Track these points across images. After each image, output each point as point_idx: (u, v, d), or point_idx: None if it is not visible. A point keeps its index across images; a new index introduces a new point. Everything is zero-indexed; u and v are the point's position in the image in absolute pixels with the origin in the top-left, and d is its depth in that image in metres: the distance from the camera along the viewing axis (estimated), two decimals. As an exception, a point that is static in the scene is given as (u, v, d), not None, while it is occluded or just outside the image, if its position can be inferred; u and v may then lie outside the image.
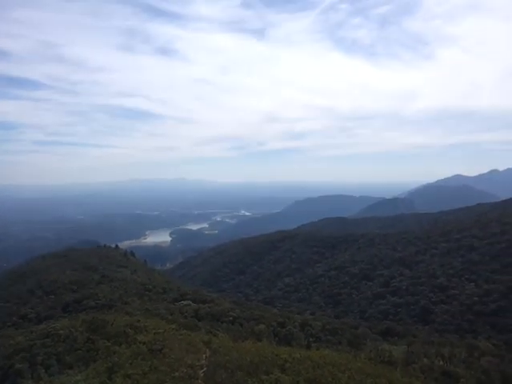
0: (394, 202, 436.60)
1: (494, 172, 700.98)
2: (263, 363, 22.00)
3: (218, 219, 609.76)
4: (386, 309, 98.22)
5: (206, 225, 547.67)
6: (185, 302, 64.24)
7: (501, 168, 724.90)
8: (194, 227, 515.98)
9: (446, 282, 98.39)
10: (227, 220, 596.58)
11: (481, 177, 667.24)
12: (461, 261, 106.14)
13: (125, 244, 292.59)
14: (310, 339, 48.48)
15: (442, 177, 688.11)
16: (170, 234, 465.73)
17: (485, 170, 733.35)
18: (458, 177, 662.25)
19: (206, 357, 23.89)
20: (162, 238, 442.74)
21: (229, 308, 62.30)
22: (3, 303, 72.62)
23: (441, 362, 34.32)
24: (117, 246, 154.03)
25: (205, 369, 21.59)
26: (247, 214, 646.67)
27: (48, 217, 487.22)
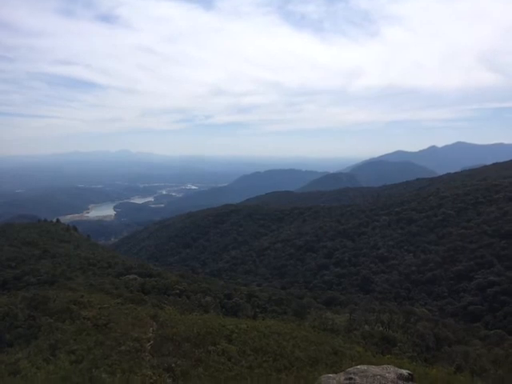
0: (338, 176, 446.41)
1: (433, 148, 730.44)
2: (210, 334, 22.20)
3: (164, 193, 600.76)
4: (329, 279, 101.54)
5: (151, 198, 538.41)
6: (130, 276, 63.36)
7: (439, 144, 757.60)
8: (140, 201, 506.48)
9: (387, 253, 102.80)
10: (173, 194, 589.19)
11: (421, 153, 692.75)
12: (400, 232, 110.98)
13: (66, 218, 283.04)
14: (257, 310, 49.43)
15: (385, 152, 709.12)
16: (114, 208, 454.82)
17: (425, 146, 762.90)
18: (399, 152, 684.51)
19: (152, 330, 23.77)
20: (105, 212, 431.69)
21: (175, 281, 62.09)
22: None
23: (380, 328, 35.94)
24: (58, 220, 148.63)
25: (152, 342, 21.50)
26: (194, 187, 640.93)
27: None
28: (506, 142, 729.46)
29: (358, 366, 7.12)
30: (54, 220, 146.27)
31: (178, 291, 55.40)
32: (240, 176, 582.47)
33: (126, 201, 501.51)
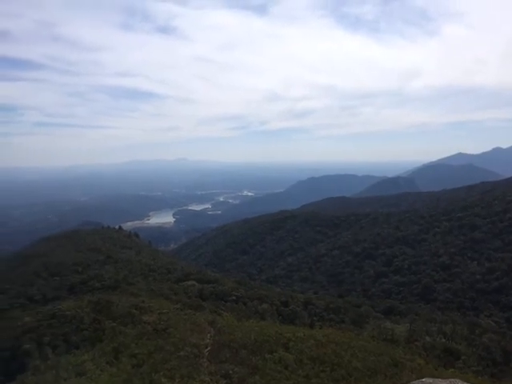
0: (396, 181, 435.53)
1: (497, 150, 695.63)
2: (267, 342, 22.30)
3: (221, 199, 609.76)
4: (388, 287, 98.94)
5: (208, 205, 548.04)
6: (189, 283, 64.72)
7: (504, 146, 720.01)
8: (197, 208, 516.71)
9: (449, 261, 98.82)
10: (230, 200, 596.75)
11: (484, 155, 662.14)
12: (463, 239, 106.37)
13: (128, 225, 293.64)
14: (314, 318, 49.04)
15: (445, 155, 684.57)
16: (174, 215, 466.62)
17: (488, 147, 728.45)
18: (460, 155, 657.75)
19: (210, 336, 24.19)
20: (165, 218, 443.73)
21: (232, 287, 62.79)
22: (9, 285, 73.34)
23: (443, 340, 34.69)
24: (120, 227, 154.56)
25: (209, 348, 21.88)
26: (250, 194, 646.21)
27: (50, 199, 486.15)
28: None
29: (423, 379, 6.96)
30: (117, 227, 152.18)
31: (234, 298, 56.01)
32: (296, 182, 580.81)
33: (184, 208, 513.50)
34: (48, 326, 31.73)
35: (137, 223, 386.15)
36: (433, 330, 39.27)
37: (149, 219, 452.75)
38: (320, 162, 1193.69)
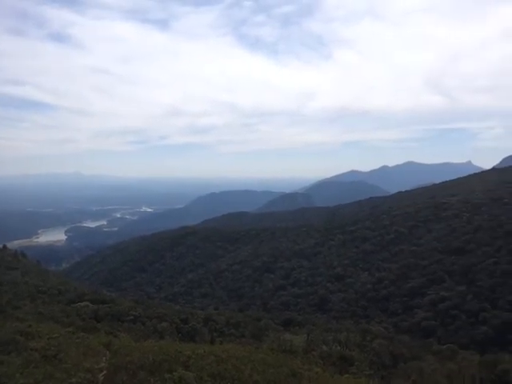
0: (294, 196, 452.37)
1: (384, 168, 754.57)
2: (166, 361, 21.53)
3: (118, 216, 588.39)
4: (287, 300, 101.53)
5: (104, 222, 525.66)
6: (82, 304, 61.04)
7: (390, 164, 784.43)
8: (92, 224, 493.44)
9: (342, 272, 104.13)
10: (128, 216, 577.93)
11: (373, 172, 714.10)
12: (355, 251, 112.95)
13: (14, 244, 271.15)
14: (214, 334, 48.61)
15: (339, 172, 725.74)
16: (66, 232, 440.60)
17: (377, 166, 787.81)
18: (353, 172, 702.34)
19: (105, 359, 22.81)
20: (56, 236, 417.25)
21: (130, 307, 60.35)
22: None
23: (338, 348, 36.09)
24: (5, 246, 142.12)
25: (105, 372, 20.64)
26: (149, 210, 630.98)
27: None
28: (452, 161, 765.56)
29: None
30: (1, 246, 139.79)
31: (132, 317, 53.83)
32: (196, 197, 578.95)
33: (77, 225, 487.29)
34: None
35: (24, 242, 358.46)
36: (329, 339, 40.79)
37: (38, 237, 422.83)
38: (220, 177, 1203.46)
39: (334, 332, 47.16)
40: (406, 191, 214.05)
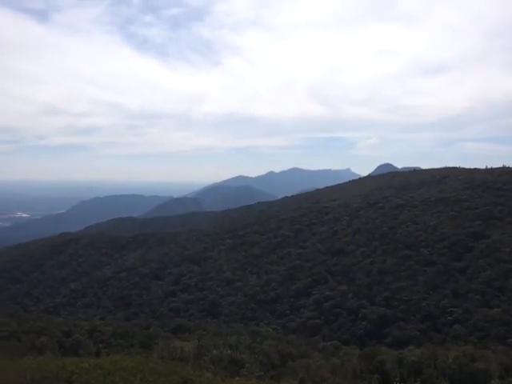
0: (183, 201, 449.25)
1: (271, 174, 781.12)
2: (46, 379, 19.94)
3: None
4: (176, 306, 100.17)
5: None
6: None
7: (277, 170, 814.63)
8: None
9: (232, 276, 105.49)
10: None
11: (260, 178, 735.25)
12: (244, 255, 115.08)
13: None
14: (100, 346, 46.30)
15: (227, 177, 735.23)
16: None
17: (263, 171, 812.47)
18: (240, 177, 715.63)
19: (-25, 381, 20.54)
20: None
21: (3, 322, 55.20)
22: None
23: (229, 351, 36.34)
24: None
25: (-27, 396, 18.53)
26: (24, 215, 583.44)
27: None
28: (333, 168, 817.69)
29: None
30: None
31: (6, 333, 49.20)
32: (78, 202, 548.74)
33: None
34: None
35: None
36: (219, 344, 40.89)
37: None
38: (105, 181, 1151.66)
39: (225, 336, 47.46)
40: (291, 196, 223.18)
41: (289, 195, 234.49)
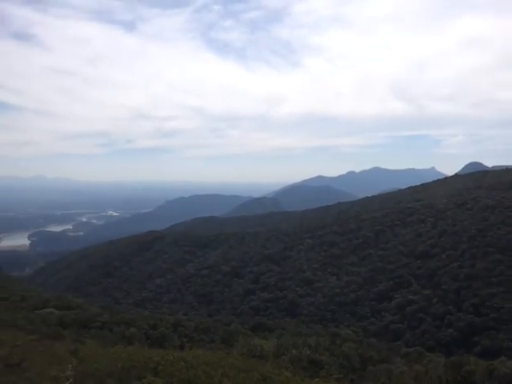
0: (262, 201, 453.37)
1: (351, 173, 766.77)
2: (135, 368, 21.06)
3: (84, 220, 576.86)
4: (256, 304, 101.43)
5: (69, 226, 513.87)
6: (47, 310, 59.35)
7: (357, 170, 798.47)
8: (57, 229, 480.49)
9: (312, 276, 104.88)
10: (94, 221, 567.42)
11: (340, 177, 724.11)
12: (324, 255, 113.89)
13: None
14: (184, 340, 48.04)
15: (306, 177, 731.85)
16: (29, 237, 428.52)
17: (343, 171, 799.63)
18: (319, 177, 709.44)
19: (72, 367, 22.15)
20: (19, 241, 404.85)
21: (97, 313, 59.03)
22: None
23: (308, 352, 36.20)
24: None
25: (71, 380, 20.02)
26: (115, 214, 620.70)
27: None
28: (417, 167, 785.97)
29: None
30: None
31: (99, 324, 52.59)
32: (164, 202, 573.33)
33: (41, 229, 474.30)
34: None
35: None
36: (299, 344, 40.85)
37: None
38: (188, 181, 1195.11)
39: (304, 336, 47.33)
40: (372, 196, 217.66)
41: (370, 195, 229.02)
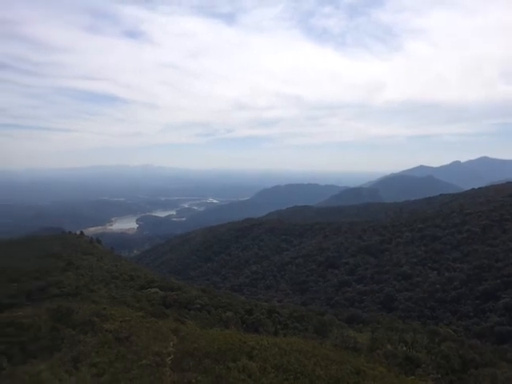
0: (359, 191, 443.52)
1: (456, 163, 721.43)
2: (231, 350, 22.04)
3: (186, 206, 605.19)
4: (351, 296, 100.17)
5: (173, 212, 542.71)
6: (152, 290, 63.62)
7: (462, 159, 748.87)
8: (162, 214, 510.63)
9: (410, 270, 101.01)
10: (195, 207, 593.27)
11: (443, 168, 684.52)
12: (424, 249, 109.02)
13: (90, 231, 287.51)
14: (278, 326, 48.95)
15: (407, 167, 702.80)
16: (137, 221, 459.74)
17: (447, 161, 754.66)
18: (421, 167, 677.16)
19: (173, 344, 23.74)
20: (128, 224, 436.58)
21: (196, 295, 62.08)
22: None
23: (404, 348, 35.15)
24: (82, 232, 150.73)
25: (172, 356, 21.45)
26: (215, 201, 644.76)
27: (8, 203, 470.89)
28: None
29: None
30: (78, 232, 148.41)
31: (198, 305, 55.37)
32: (261, 190, 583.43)
33: (148, 214, 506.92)
34: (3, 335, 30.38)
35: (99, 229, 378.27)
36: (394, 339, 39.79)
37: (111, 225, 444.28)
38: (285, 170, 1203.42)
39: (400, 332, 45.92)
40: (479, 188, 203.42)
41: (476, 187, 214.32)
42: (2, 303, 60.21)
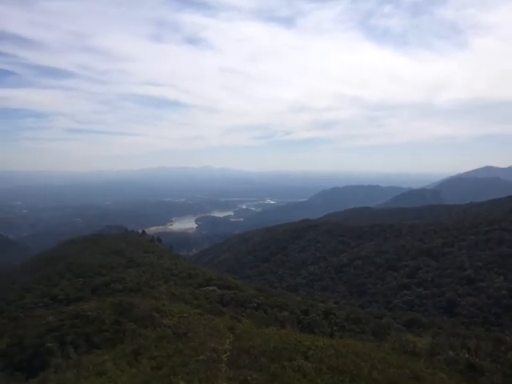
0: (421, 192, 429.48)
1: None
2: (286, 350, 22.15)
3: (244, 207, 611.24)
4: (411, 300, 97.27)
5: (231, 212, 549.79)
6: (210, 288, 64.93)
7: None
8: (220, 214, 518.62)
9: (474, 275, 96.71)
10: (252, 208, 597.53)
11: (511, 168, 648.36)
12: (490, 254, 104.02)
13: (151, 230, 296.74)
14: (334, 328, 48.58)
15: (472, 168, 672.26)
16: (196, 221, 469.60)
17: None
18: (488, 168, 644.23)
19: (229, 341, 24.17)
20: (188, 224, 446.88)
21: (253, 294, 62.74)
22: (35, 285, 74.76)
23: (466, 355, 33.72)
24: (144, 231, 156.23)
25: (228, 353, 21.85)
26: (272, 202, 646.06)
27: (77, 203, 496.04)
28: None
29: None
30: (140, 231, 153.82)
31: (255, 304, 55.97)
32: (319, 191, 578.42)
33: (207, 214, 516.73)
34: (70, 326, 32.24)
35: (160, 228, 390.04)
36: (456, 345, 38.26)
37: (172, 224, 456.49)
38: (344, 172, 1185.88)
39: (462, 338, 44.10)
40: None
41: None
42: (68, 296, 63.69)
